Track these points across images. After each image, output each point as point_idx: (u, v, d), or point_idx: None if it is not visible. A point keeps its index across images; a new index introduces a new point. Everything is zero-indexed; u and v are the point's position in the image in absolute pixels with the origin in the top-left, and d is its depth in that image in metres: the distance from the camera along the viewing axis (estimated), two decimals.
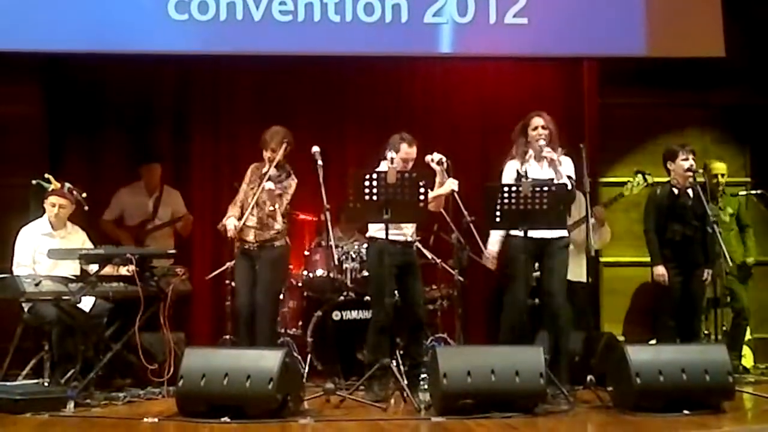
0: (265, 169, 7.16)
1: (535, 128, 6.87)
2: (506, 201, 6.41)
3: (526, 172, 6.74)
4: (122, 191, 8.56)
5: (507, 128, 7.19)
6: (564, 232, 6.82)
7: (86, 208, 7.36)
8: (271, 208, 7.07)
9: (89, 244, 7.27)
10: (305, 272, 8.08)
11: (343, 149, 9.19)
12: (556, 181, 6.70)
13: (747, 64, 8.98)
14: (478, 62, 9.44)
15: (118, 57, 8.57)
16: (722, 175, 8.16)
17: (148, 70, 9.11)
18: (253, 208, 7.10)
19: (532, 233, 6.61)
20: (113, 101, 9.22)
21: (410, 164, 6.88)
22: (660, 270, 7.42)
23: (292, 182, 7.23)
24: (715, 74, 8.95)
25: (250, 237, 7.17)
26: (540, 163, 6.85)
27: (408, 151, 6.88)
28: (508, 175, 6.86)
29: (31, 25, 8.19)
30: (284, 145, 7.12)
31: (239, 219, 7.12)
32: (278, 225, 7.16)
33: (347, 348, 7.48)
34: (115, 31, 8.27)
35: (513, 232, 6.75)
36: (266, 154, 7.18)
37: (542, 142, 6.80)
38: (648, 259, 7.65)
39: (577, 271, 7.34)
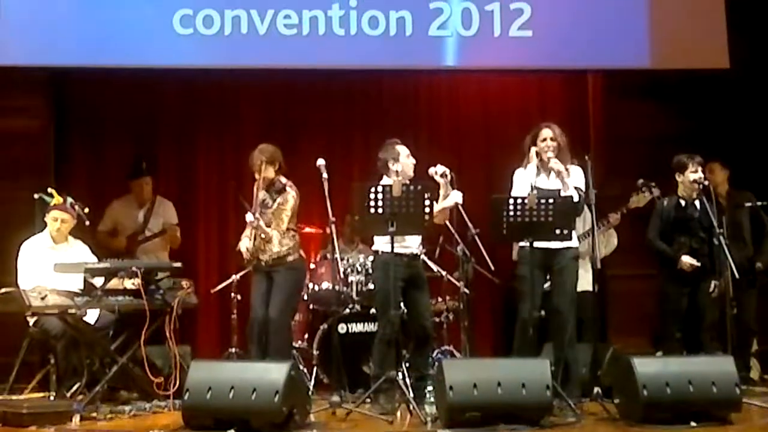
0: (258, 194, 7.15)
1: (544, 140, 6.84)
2: (512, 213, 6.42)
3: (533, 184, 6.73)
4: (114, 203, 8.55)
5: (512, 141, 7.20)
6: (573, 243, 6.79)
7: (87, 222, 7.38)
8: (262, 236, 7.03)
9: (92, 257, 7.28)
10: (311, 285, 8.08)
11: (348, 162, 9.21)
12: (563, 193, 6.70)
13: (751, 75, 8.98)
14: (482, 75, 9.47)
15: (123, 71, 8.61)
16: (710, 172, 8.07)
17: (154, 84, 9.13)
18: (253, 230, 7.04)
19: (538, 244, 6.60)
20: (118, 115, 9.25)
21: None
22: (686, 260, 7.42)
23: (288, 196, 7.08)
24: (719, 86, 8.96)
25: (264, 255, 7.07)
26: (547, 175, 6.85)
27: (408, 152, 6.93)
28: (518, 184, 6.84)
29: (37, 39, 8.25)
30: (264, 165, 7.04)
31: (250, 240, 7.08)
32: (276, 247, 7.09)
33: (353, 361, 7.47)
34: (120, 46, 8.32)
35: (521, 243, 6.75)
36: (256, 174, 7.10)
37: (550, 154, 6.79)
38: (653, 271, 7.68)
39: (582, 282, 7.32)
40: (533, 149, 6.83)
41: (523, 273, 6.75)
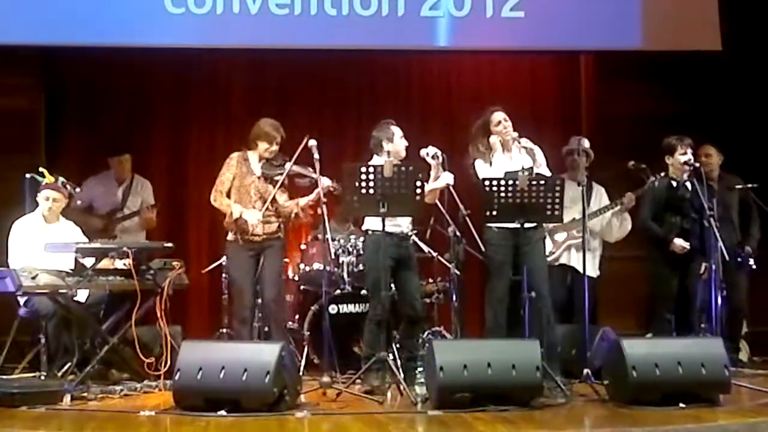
0: (257, 162, 7.12)
1: (499, 123, 6.90)
2: (503, 195, 6.43)
3: (522, 167, 6.76)
4: (91, 180, 8.40)
5: None
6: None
7: (79, 202, 7.36)
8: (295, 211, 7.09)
9: (83, 237, 7.27)
10: (302, 266, 8.08)
11: (339, 143, 9.19)
12: (535, 170, 6.74)
13: (743, 57, 8.99)
14: (474, 56, 9.46)
15: (115, 50, 8.57)
16: (705, 156, 8.10)
17: (145, 63, 9.11)
18: (260, 202, 7.04)
19: (509, 225, 6.65)
20: (110, 94, 9.23)
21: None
22: (678, 242, 7.46)
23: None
24: (711, 67, 8.97)
25: (258, 230, 7.05)
26: (509, 155, 6.88)
27: (401, 134, 6.93)
28: (485, 172, 6.84)
29: (28, 18, 8.21)
30: (279, 141, 7.10)
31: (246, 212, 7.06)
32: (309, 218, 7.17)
33: (344, 341, 7.48)
34: (111, 25, 8.29)
35: (492, 225, 6.77)
36: (269, 148, 7.09)
37: (514, 134, 6.83)
38: (642, 253, 7.71)
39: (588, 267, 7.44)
40: (494, 138, 6.86)
41: (496, 254, 6.80)
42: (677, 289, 7.54)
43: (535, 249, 6.80)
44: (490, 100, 9.15)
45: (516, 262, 6.73)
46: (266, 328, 7.43)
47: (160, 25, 8.39)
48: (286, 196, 7.19)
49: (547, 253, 7.43)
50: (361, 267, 7.76)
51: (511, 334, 6.73)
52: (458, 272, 7.44)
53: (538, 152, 6.88)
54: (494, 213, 6.50)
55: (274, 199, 7.06)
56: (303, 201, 7.09)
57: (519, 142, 6.80)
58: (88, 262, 6.76)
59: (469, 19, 8.59)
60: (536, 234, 6.83)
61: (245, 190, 7.11)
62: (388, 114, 7.31)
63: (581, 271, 7.09)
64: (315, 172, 6.86)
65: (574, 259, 7.67)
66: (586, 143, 7.66)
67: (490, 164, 6.83)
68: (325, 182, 6.86)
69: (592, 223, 7.61)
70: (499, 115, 6.92)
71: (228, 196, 7.11)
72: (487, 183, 6.50)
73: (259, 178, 7.11)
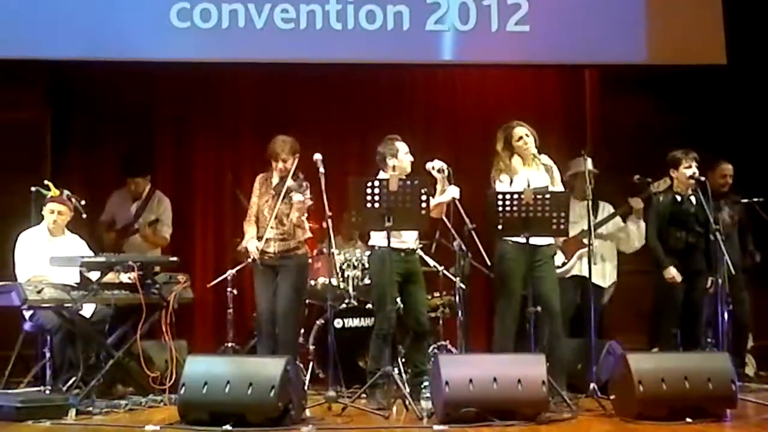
0: (275, 181, 7.13)
1: (520, 138, 6.89)
2: (508, 208, 6.43)
3: (528, 182, 6.76)
4: (113, 195, 8.58)
5: None
6: (552, 240, 6.87)
7: (84, 215, 7.37)
8: (302, 218, 7.04)
9: (88, 251, 7.27)
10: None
11: (344, 157, 9.19)
12: (551, 188, 6.74)
13: (748, 71, 8.99)
14: (479, 70, 9.47)
15: (120, 65, 8.60)
16: (730, 176, 8.11)
17: (151, 78, 9.14)
18: (273, 220, 7.04)
19: (518, 239, 6.65)
20: (115, 109, 9.23)
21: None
22: (671, 272, 7.44)
23: (307, 192, 7.05)
24: (715, 81, 8.97)
25: (271, 249, 7.09)
26: (528, 170, 6.88)
27: (407, 149, 6.91)
28: (504, 186, 6.83)
29: (34, 32, 8.26)
30: (296, 155, 7.08)
31: (259, 236, 7.07)
32: (308, 234, 7.14)
33: (349, 356, 7.47)
34: (117, 39, 8.33)
35: (507, 239, 6.77)
36: (277, 165, 7.11)
37: (534, 151, 6.83)
38: (648, 267, 7.69)
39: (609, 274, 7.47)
40: (516, 158, 6.86)
41: (509, 268, 6.78)
42: (683, 304, 7.52)
43: (546, 265, 6.81)
44: (495, 114, 9.26)
45: (527, 277, 6.71)
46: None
47: (165, 40, 8.43)
48: (299, 213, 7.18)
49: (559, 264, 7.44)
50: (366, 281, 7.76)
51: (519, 348, 6.72)
52: (464, 286, 7.41)
53: (555, 170, 6.89)
54: (500, 227, 6.51)
55: (286, 217, 7.08)
56: (294, 217, 7.10)
57: (539, 159, 6.81)
58: (94, 275, 6.76)
59: (475, 33, 8.62)
60: (549, 250, 6.85)
61: (261, 210, 7.17)
62: (392, 128, 7.30)
63: (594, 281, 7.09)
64: (307, 189, 6.89)
65: (587, 270, 7.66)
66: (590, 164, 7.63)
67: (511, 179, 6.83)
68: (295, 198, 6.90)
69: (601, 231, 7.63)
70: (520, 130, 6.92)
71: (258, 218, 7.18)
72: (492, 197, 6.51)
73: (273, 196, 7.13)
